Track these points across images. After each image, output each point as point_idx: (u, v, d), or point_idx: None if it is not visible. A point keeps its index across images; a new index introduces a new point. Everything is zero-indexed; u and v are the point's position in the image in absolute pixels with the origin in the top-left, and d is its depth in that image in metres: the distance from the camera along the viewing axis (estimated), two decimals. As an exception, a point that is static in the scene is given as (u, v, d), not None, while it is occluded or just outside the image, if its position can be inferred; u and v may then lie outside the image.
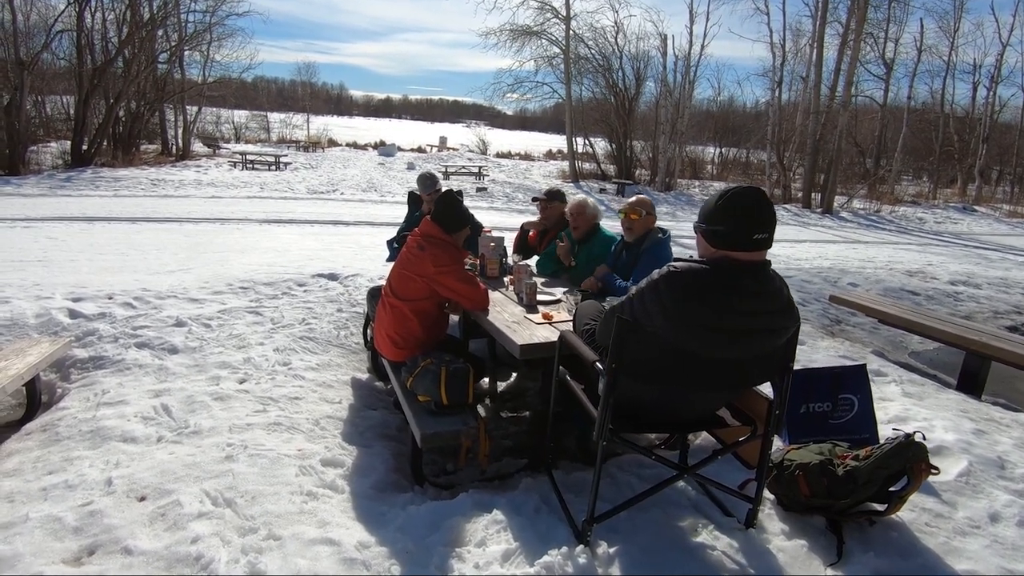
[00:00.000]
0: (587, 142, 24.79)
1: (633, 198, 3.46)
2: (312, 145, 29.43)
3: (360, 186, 15.88)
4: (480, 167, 21.44)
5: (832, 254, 9.92)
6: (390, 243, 4.83)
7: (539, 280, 3.47)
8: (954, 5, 26.59)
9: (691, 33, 20.98)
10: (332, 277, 5.29)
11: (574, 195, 4.09)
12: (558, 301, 3.05)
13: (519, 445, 3.01)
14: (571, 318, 2.73)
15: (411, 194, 4.81)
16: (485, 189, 16.95)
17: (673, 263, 1.79)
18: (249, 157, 19.86)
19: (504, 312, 2.83)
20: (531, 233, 4.26)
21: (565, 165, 25.30)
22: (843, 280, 6.15)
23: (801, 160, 22.55)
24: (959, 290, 6.24)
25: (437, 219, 2.90)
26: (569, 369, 2.27)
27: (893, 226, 17.10)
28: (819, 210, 19.32)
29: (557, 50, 21.96)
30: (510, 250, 4.08)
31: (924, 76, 28.05)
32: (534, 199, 4.17)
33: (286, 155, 22.37)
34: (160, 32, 20.17)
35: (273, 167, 19.42)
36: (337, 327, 4.22)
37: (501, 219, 11.67)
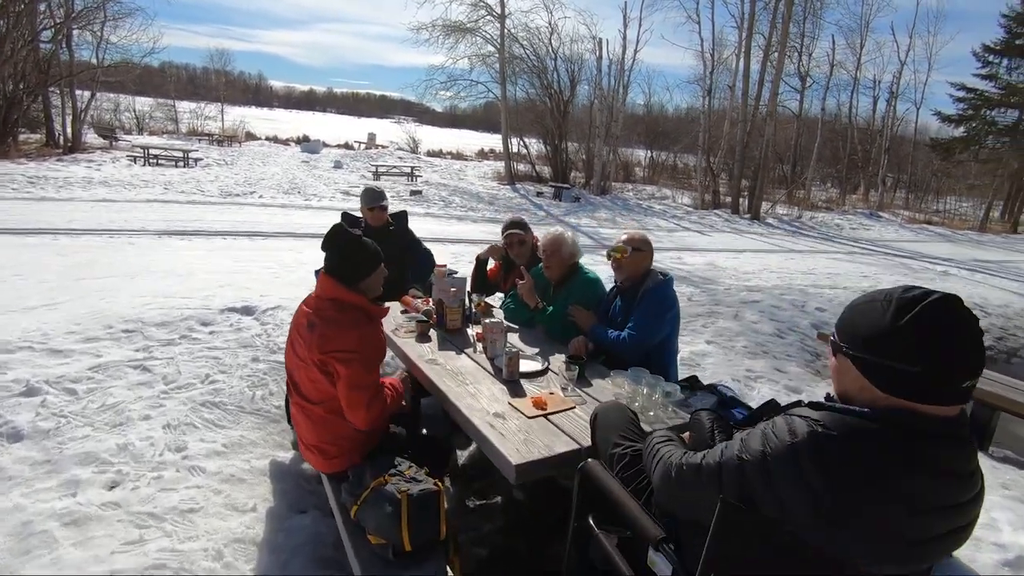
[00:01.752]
0: (522, 143, 24.36)
1: (622, 235, 2.88)
2: (228, 139, 27.13)
3: (281, 187, 14.51)
4: (413, 167, 20.43)
5: (775, 265, 9.95)
6: (317, 272, 4.01)
7: (511, 334, 2.82)
8: (860, 24, 28.38)
9: (624, 38, 21.02)
10: (246, 311, 4.38)
11: (549, 227, 3.46)
12: (544, 372, 2.40)
13: (496, 552, 2.34)
14: (565, 401, 2.10)
15: (344, 216, 4.02)
16: (419, 192, 16.04)
17: (813, 416, 1.10)
18: (152, 151, 17.81)
19: (480, 396, 2.14)
20: (491, 267, 3.60)
21: (500, 166, 24.74)
22: (809, 304, 5.94)
23: (729, 166, 23.23)
24: (917, 312, 6.19)
25: (331, 270, 2.11)
26: (597, 510, 1.59)
27: (816, 232, 17.80)
28: (747, 216, 19.86)
29: (492, 49, 21.35)
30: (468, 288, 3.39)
31: (833, 90, 29.77)
32: (505, 231, 3.49)
33: (196, 150, 20.32)
34: (42, 6, 17.69)
35: (181, 163, 17.50)
36: (252, 384, 3.37)
37: (440, 228, 10.89)
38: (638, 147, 34.92)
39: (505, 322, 2.57)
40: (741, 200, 21.00)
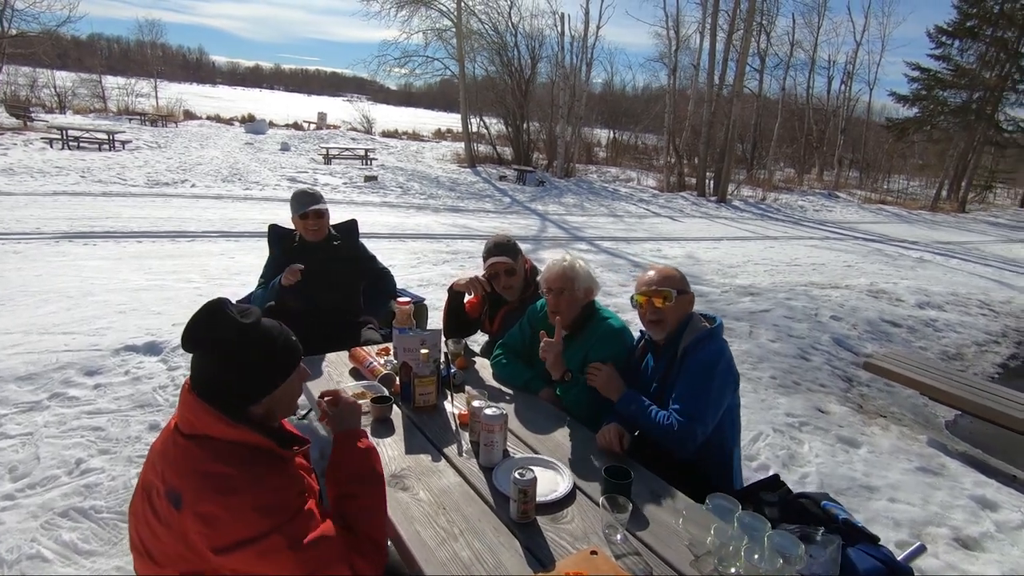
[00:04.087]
0: (481, 123, 23.25)
1: (650, 271, 2.05)
2: (163, 118, 24.91)
3: (220, 173, 13.08)
4: (367, 150, 19.08)
5: (757, 256, 9.46)
6: (241, 302, 3.07)
7: (495, 400, 2.00)
8: (818, 3, 28.27)
9: (587, 13, 20.10)
10: (151, 350, 3.40)
11: (555, 257, 2.62)
12: (571, 497, 1.58)
13: None
14: (616, 569, 1.31)
15: (272, 229, 3.07)
16: (375, 178, 14.84)
17: None
18: (72, 133, 15.88)
19: (479, 562, 1.32)
20: (470, 298, 2.75)
21: (459, 147, 23.63)
22: (822, 313, 5.33)
23: (693, 147, 22.81)
24: (931, 316, 5.71)
25: (204, 390, 1.19)
26: None
27: (783, 215, 17.59)
28: (714, 198, 19.51)
29: (448, 23, 20.06)
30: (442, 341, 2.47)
31: (791, 70, 29.76)
32: (487, 258, 2.61)
33: (124, 131, 18.40)
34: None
35: (105, 146, 15.72)
36: (145, 470, 2.44)
37: (398, 221, 9.89)
38: (598, 127, 34.25)
39: (500, 410, 1.70)
40: (707, 182, 20.65)
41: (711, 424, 1.89)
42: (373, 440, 1.78)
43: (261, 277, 2.94)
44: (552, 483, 1.61)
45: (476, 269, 6.91)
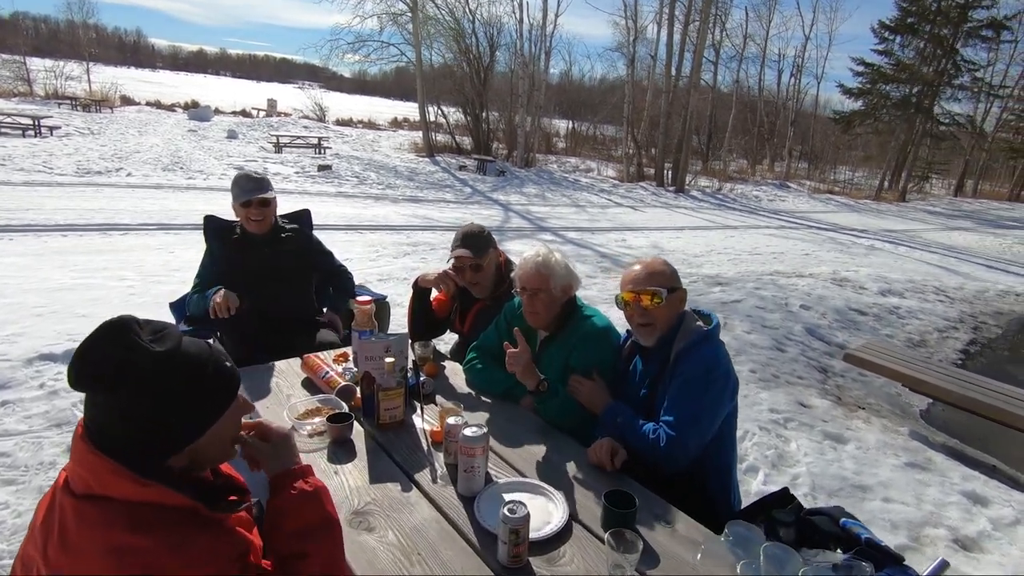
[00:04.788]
0: (440, 111, 22.74)
1: (636, 266, 1.84)
2: (96, 103, 23.30)
3: (160, 162, 12.25)
4: (320, 138, 18.34)
5: (719, 245, 9.52)
6: (177, 307, 2.72)
7: (470, 409, 1.77)
8: (768, -3, 28.91)
9: (545, 1, 19.85)
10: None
11: (524, 244, 2.39)
12: (567, 528, 1.36)
13: None
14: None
15: (209, 221, 2.71)
16: (329, 167, 14.23)
17: None
18: (-10, 118, 14.63)
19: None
20: (437, 296, 2.48)
21: (416, 136, 23.08)
22: (792, 302, 5.31)
23: (651, 138, 22.97)
24: (894, 304, 5.79)
25: (103, 440, 0.90)
26: None
27: (739, 205, 17.92)
28: (672, 188, 19.70)
29: (404, 7, 19.43)
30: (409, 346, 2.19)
31: (744, 63, 30.40)
32: (454, 252, 2.33)
33: (52, 116, 17.07)
34: None
35: (30, 133, 14.52)
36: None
37: (355, 212, 9.45)
38: (555, 117, 34.15)
39: (481, 428, 1.46)
40: (665, 172, 20.83)
41: (707, 436, 1.71)
42: (331, 468, 1.53)
43: (197, 277, 2.57)
44: (544, 514, 1.38)
45: (439, 262, 6.64)
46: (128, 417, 0.90)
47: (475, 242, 2.31)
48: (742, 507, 1.76)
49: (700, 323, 1.84)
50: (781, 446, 2.84)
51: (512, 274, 2.15)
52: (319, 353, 2.21)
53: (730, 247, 9.47)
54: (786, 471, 2.66)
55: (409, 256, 6.52)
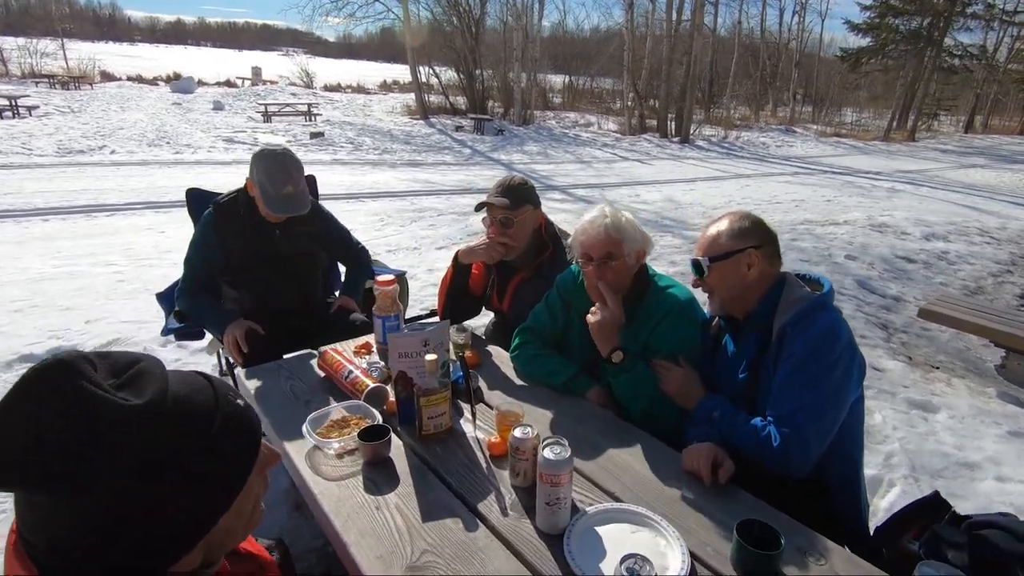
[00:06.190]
0: (432, 71, 21.82)
1: (711, 227, 1.57)
2: (75, 80, 22.39)
3: (146, 137, 11.69)
4: (310, 104, 17.61)
5: (737, 196, 9.08)
6: (165, 297, 2.36)
7: (513, 398, 1.44)
8: (771, -72, 27.36)
9: (539, -57, 18.70)
10: (57, 358, 2.66)
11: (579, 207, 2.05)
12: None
13: None
14: None
15: (193, 197, 2.30)
16: (321, 134, 13.63)
17: None
18: (-36, 100, 13.98)
19: None
20: (474, 271, 2.11)
21: (409, 98, 22.23)
22: (835, 253, 4.92)
23: (653, 88, 22.07)
24: (941, 248, 5.41)
25: (45, 555, 0.56)
26: None
27: (747, 152, 17.32)
28: (676, 139, 19.05)
29: (387, -42, 18.36)
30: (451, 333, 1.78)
31: (744, 4, 29.10)
32: (479, 206, 1.98)
33: (30, 96, 16.35)
34: None
35: (8, 113, 13.89)
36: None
37: (353, 180, 8.98)
38: (550, 71, 32.93)
39: (565, 447, 1.15)
40: (668, 123, 20.10)
41: (832, 431, 1.37)
42: (370, 501, 1.20)
43: (186, 264, 2.14)
44: (655, 553, 1.06)
45: (448, 227, 6.13)
46: (98, 526, 0.55)
47: (513, 193, 1.92)
48: (873, 520, 1.44)
49: (807, 288, 1.49)
50: (865, 419, 2.53)
51: (568, 241, 1.78)
52: (336, 346, 1.86)
53: (748, 196, 9.04)
54: (877, 449, 2.36)
55: (416, 223, 6.13)
